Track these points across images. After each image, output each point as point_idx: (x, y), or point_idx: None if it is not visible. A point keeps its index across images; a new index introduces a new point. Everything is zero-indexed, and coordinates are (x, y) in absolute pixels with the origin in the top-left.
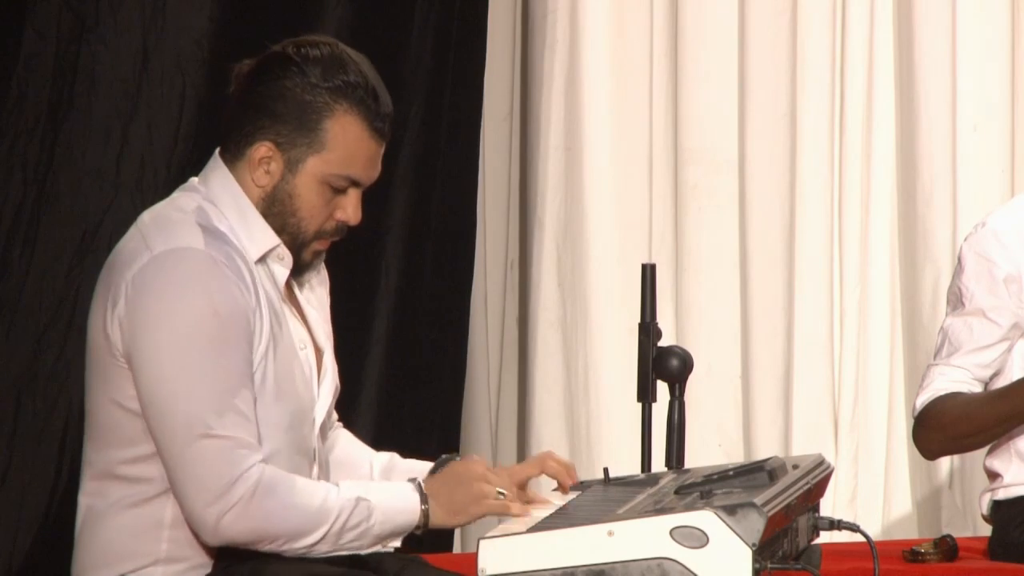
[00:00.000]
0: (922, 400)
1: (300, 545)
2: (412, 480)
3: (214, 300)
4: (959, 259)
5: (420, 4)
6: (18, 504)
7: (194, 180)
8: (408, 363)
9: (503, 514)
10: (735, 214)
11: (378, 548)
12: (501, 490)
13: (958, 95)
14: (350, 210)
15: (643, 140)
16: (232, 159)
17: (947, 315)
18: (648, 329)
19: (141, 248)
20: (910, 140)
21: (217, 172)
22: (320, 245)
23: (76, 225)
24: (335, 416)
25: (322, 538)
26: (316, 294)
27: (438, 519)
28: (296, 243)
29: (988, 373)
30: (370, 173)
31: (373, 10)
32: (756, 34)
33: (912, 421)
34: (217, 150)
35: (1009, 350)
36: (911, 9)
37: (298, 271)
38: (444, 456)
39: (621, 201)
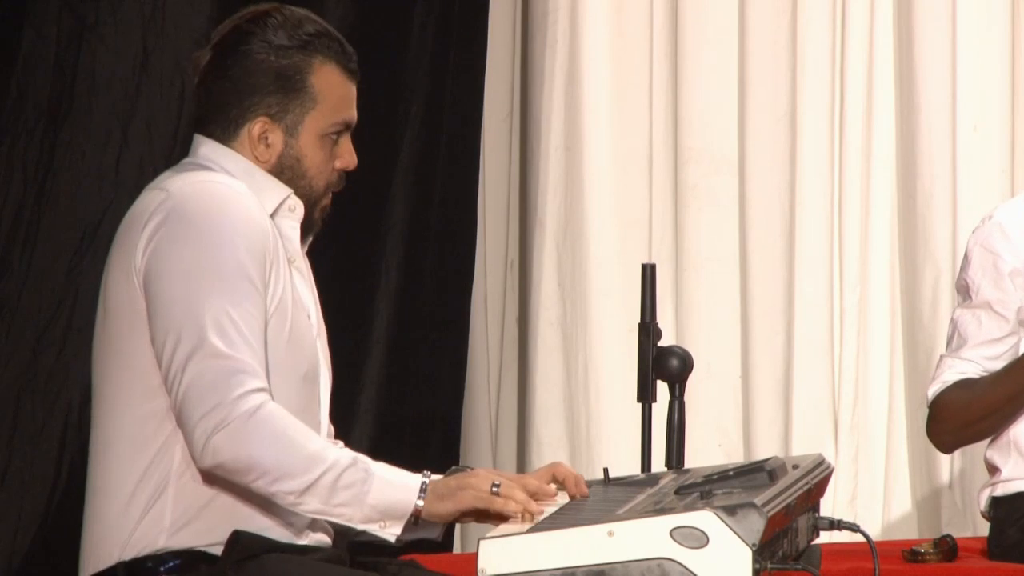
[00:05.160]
0: (933, 391)
1: (287, 488)
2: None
3: (234, 225)
4: (966, 252)
5: (420, 4)
6: (18, 504)
7: (184, 160)
8: (408, 363)
9: (493, 509)
10: (735, 214)
11: (375, 529)
12: (497, 482)
13: (958, 95)
14: (347, 155)
15: (643, 140)
16: (223, 142)
17: (957, 306)
18: (648, 329)
19: (157, 194)
20: (910, 140)
21: (207, 145)
22: (327, 200)
23: (76, 225)
24: (332, 429)
25: (311, 486)
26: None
27: (430, 503)
28: (309, 204)
29: (998, 365)
30: (354, 114)
31: (373, 10)
32: (756, 34)
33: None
34: (196, 135)
35: (1020, 343)
36: (911, 9)
37: (307, 230)
38: (454, 468)
39: (621, 201)
